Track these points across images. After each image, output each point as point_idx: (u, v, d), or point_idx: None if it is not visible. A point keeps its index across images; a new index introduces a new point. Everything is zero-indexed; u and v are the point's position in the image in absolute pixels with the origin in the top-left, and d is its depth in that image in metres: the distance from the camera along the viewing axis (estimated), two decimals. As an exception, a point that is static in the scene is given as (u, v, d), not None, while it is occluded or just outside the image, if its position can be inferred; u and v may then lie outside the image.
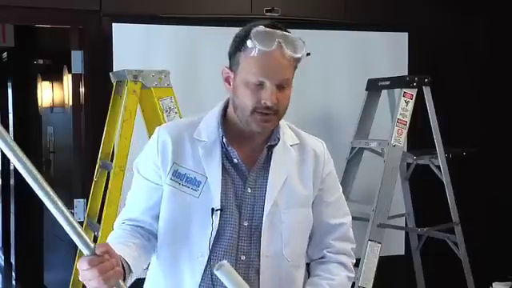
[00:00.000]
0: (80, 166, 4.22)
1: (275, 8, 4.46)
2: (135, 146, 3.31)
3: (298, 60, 1.77)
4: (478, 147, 4.54)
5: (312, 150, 1.92)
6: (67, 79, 5.10)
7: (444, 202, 4.17)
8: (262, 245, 1.80)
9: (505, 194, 4.97)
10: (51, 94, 5.76)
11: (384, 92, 4.40)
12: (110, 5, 4.11)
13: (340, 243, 1.96)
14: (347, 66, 4.64)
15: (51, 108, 5.79)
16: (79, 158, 4.23)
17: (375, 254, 3.92)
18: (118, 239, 1.78)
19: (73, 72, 4.21)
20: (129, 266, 1.67)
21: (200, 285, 1.79)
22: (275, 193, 1.82)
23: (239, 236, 1.80)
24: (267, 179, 1.83)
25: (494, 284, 4.39)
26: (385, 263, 4.07)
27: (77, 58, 4.17)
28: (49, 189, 1.44)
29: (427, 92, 4.12)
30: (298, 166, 1.88)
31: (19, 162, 1.41)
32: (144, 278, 1.95)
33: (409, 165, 4.49)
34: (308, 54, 1.77)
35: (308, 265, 1.98)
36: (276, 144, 1.86)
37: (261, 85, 1.73)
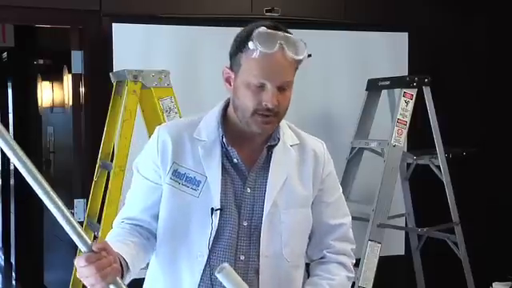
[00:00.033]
0: (80, 166, 4.22)
1: (275, 8, 4.46)
2: (135, 145, 3.31)
3: (299, 62, 1.77)
4: (478, 147, 4.54)
5: (312, 151, 1.92)
6: (67, 79, 5.10)
7: (444, 202, 4.17)
8: (262, 245, 1.80)
9: (505, 194, 4.97)
10: (51, 94, 5.76)
11: (384, 92, 4.40)
12: (109, 5, 4.11)
13: (340, 243, 1.95)
14: (347, 66, 4.64)
15: (51, 108, 5.78)
16: (79, 157, 4.23)
17: (375, 254, 3.92)
18: (117, 237, 1.79)
19: (73, 72, 4.21)
20: (126, 263, 1.67)
21: (199, 284, 1.79)
22: (275, 193, 1.82)
23: (238, 236, 1.80)
24: (267, 179, 1.83)
25: (493, 284, 4.39)
26: (385, 263, 4.07)
27: (77, 58, 4.17)
28: (49, 189, 1.45)
29: (427, 92, 4.12)
30: (298, 166, 1.88)
31: (19, 161, 1.41)
32: (144, 278, 1.95)
33: (409, 165, 4.49)
34: (309, 56, 1.76)
35: (308, 265, 1.98)
36: (276, 144, 1.86)
37: (262, 86, 1.73)
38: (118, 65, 3.97)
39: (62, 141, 5.30)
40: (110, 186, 3.42)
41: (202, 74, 4.22)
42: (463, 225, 4.17)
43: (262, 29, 1.73)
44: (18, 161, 1.42)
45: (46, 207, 1.48)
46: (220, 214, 1.78)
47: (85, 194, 3.99)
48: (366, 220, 4.01)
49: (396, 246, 4.74)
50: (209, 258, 1.78)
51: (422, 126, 4.21)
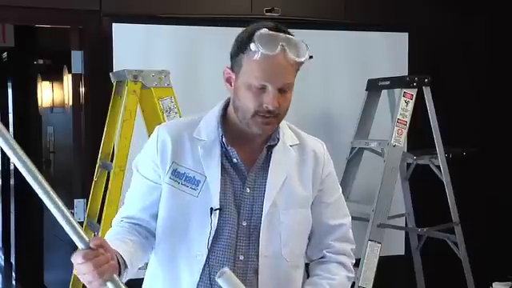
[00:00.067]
0: (80, 166, 4.22)
1: (275, 8, 4.46)
2: (135, 145, 3.31)
3: (300, 63, 1.77)
4: (477, 147, 4.54)
5: (312, 151, 1.92)
6: (67, 79, 5.10)
7: (444, 202, 4.17)
8: (261, 245, 1.80)
9: (505, 194, 4.97)
10: (51, 94, 5.76)
11: (384, 92, 4.40)
12: (110, 5, 4.11)
13: (340, 244, 1.95)
14: (347, 66, 4.64)
15: (51, 108, 5.78)
16: (79, 157, 4.24)
17: (375, 254, 3.92)
18: (115, 236, 1.79)
19: (73, 72, 4.21)
20: (124, 261, 1.67)
21: (198, 284, 1.79)
22: (274, 193, 1.82)
23: (238, 236, 1.80)
24: (266, 179, 1.83)
25: (494, 284, 4.39)
26: (385, 263, 4.07)
27: (77, 58, 4.17)
28: (49, 188, 1.45)
29: (427, 92, 4.12)
30: (298, 166, 1.88)
31: (19, 160, 1.42)
32: (143, 278, 1.95)
33: (409, 165, 4.49)
34: (311, 57, 1.76)
35: (307, 265, 1.98)
36: (276, 144, 1.86)
37: (263, 88, 1.73)
38: (117, 65, 3.97)
39: (62, 141, 5.30)
40: (110, 186, 3.42)
41: (202, 74, 4.22)
42: (463, 225, 4.17)
43: (264, 30, 1.72)
44: (18, 160, 1.42)
45: (46, 207, 1.49)
46: (219, 213, 1.78)
47: (85, 194, 3.99)
48: (366, 220, 4.01)
49: (396, 246, 4.74)
50: (208, 257, 1.78)
51: (422, 125, 4.21)
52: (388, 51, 4.73)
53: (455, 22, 5.00)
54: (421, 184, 4.55)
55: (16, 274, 6.79)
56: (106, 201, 3.41)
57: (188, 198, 1.80)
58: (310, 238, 1.94)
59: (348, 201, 4.32)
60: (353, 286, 3.78)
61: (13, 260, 6.97)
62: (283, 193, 1.84)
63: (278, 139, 1.86)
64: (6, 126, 6.58)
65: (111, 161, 3.55)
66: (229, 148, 1.82)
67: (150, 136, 1.92)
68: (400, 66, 4.69)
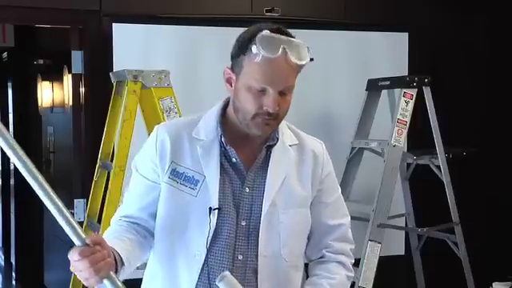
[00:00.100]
0: (80, 166, 4.22)
1: (275, 8, 4.46)
2: (135, 145, 3.31)
3: (301, 66, 1.76)
4: (478, 147, 4.54)
5: (311, 151, 1.92)
6: (67, 79, 5.10)
7: (444, 202, 4.17)
8: (260, 245, 1.80)
9: (505, 193, 4.97)
10: (51, 94, 5.76)
11: (384, 92, 4.40)
12: (110, 5, 4.11)
13: (339, 243, 1.95)
14: (347, 66, 4.64)
15: (51, 108, 5.79)
16: (79, 157, 4.24)
17: (375, 254, 3.92)
18: (113, 234, 1.79)
19: (73, 72, 4.21)
20: (121, 258, 1.67)
21: (197, 283, 1.79)
22: (273, 193, 1.82)
23: (237, 235, 1.80)
24: (265, 179, 1.83)
25: (494, 284, 4.39)
26: (385, 263, 4.07)
27: (77, 58, 4.17)
28: (46, 185, 1.45)
29: (427, 92, 4.12)
30: (297, 166, 1.88)
31: (18, 160, 1.42)
32: (141, 278, 1.95)
33: (409, 165, 4.49)
34: (311, 60, 1.76)
35: (306, 265, 1.98)
36: (275, 144, 1.86)
37: (263, 91, 1.73)
38: (117, 65, 3.97)
39: (62, 141, 5.30)
40: (110, 186, 3.42)
41: (202, 74, 4.22)
42: (463, 225, 4.17)
43: (266, 32, 1.72)
44: (18, 160, 1.42)
45: (47, 208, 1.49)
46: (218, 213, 1.78)
47: (85, 194, 3.99)
48: (366, 220, 4.01)
49: (396, 246, 4.74)
50: (207, 257, 1.78)
51: (422, 125, 4.21)
52: (388, 51, 4.73)
53: (455, 22, 5.00)
54: (421, 184, 4.55)
55: (16, 274, 6.79)
56: (106, 201, 3.41)
57: (187, 198, 1.80)
58: (309, 238, 1.94)
59: (348, 201, 4.35)
60: (353, 285, 3.78)
61: (13, 260, 6.97)
62: (282, 193, 1.83)
63: (278, 139, 1.86)
64: (6, 125, 6.58)
65: (111, 161, 3.55)
66: (228, 148, 1.82)
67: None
68: (400, 66, 4.69)
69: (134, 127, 3.42)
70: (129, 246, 1.75)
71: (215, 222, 1.78)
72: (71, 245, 1.55)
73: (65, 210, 1.49)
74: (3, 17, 4.34)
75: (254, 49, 1.70)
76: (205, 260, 1.78)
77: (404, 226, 4.63)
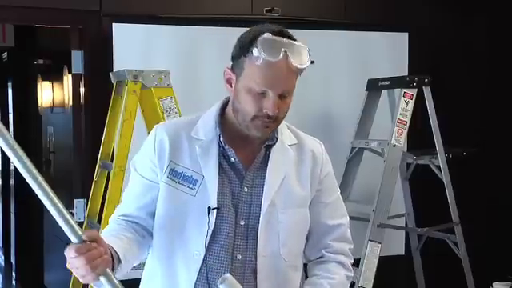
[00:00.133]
0: (80, 166, 4.22)
1: (275, 8, 4.46)
2: (135, 145, 3.31)
3: (302, 69, 1.76)
4: (478, 147, 4.54)
5: (310, 151, 1.92)
6: (67, 79, 5.10)
7: (444, 202, 4.17)
8: (259, 245, 1.80)
9: (505, 194, 4.97)
10: (51, 94, 5.77)
11: (384, 92, 4.40)
12: (110, 5, 4.11)
13: (338, 244, 1.95)
14: (347, 66, 4.64)
15: (51, 108, 5.79)
16: (79, 157, 4.24)
17: (375, 254, 3.92)
18: (111, 232, 1.79)
19: (73, 72, 4.21)
20: (118, 256, 1.67)
21: (196, 283, 1.79)
22: (272, 193, 1.82)
23: (235, 235, 1.80)
24: (264, 179, 1.83)
25: (494, 284, 4.39)
26: (385, 263, 4.07)
27: (77, 58, 4.17)
28: (44, 182, 1.45)
29: (427, 92, 4.12)
30: (296, 166, 1.88)
31: (18, 160, 1.42)
32: (140, 279, 1.95)
33: (409, 165, 4.49)
34: (312, 62, 1.76)
35: (305, 265, 1.98)
36: (274, 144, 1.86)
37: (263, 93, 1.73)
38: (117, 65, 3.97)
39: (62, 141, 5.30)
40: (110, 186, 3.42)
41: (202, 74, 4.22)
42: (463, 225, 4.17)
43: (267, 35, 1.71)
44: (18, 161, 1.42)
45: (46, 208, 1.49)
46: (217, 213, 1.78)
47: (85, 194, 3.99)
48: (366, 220, 4.01)
49: (396, 246, 4.74)
50: (205, 256, 1.78)
51: (422, 125, 4.21)
52: (388, 51, 4.73)
53: (455, 22, 5.00)
54: (421, 184, 4.55)
55: (16, 274, 6.79)
56: (106, 201, 3.41)
57: (185, 198, 1.80)
58: (307, 238, 1.94)
59: (348, 201, 4.37)
60: (353, 285, 3.78)
61: (13, 260, 6.98)
62: (281, 192, 1.84)
63: (277, 139, 1.86)
64: (6, 125, 6.59)
65: (111, 161, 3.55)
66: (226, 147, 1.82)
67: (150, 136, 1.92)
68: (400, 66, 4.69)
69: (133, 127, 3.41)
70: (126, 244, 1.75)
71: (214, 221, 1.78)
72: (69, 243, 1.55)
73: (61, 207, 1.48)
74: (3, 17, 4.34)
75: (255, 51, 1.70)
76: (203, 260, 1.78)
77: (404, 226, 4.63)
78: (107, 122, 3.69)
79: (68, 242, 1.54)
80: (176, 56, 4.19)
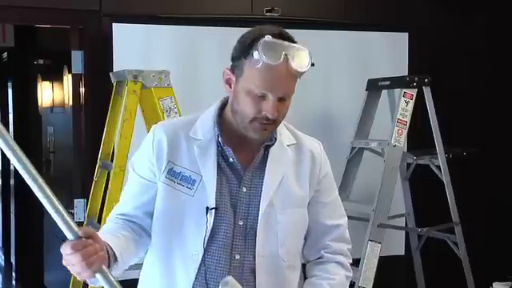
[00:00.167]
0: (80, 166, 4.22)
1: (275, 8, 4.46)
2: (135, 145, 3.30)
3: (302, 72, 1.76)
4: (478, 147, 4.53)
5: (309, 151, 1.92)
6: (67, 79, 5.10)
7: (444, 202, 4.17)
8: (258, 245, 1.80)
9: (505, 194, 4.97)
10: (51, 94, 5.77)
11: (384, 92, 4.40)
12: (110, 5, 4.11)
13: (337, 244, 1.95)
14: (347, 66, 4.64)
15: (51, 108, 5.79)
16: (79, 157, 4.24)
17: (375, 254, 3.92)
18: (108, 230, 1.80)
19: (73, 72, 4.21)
20: (114, 253, 1.67)
21: (194, 283, 1.79)
22: (271, 193, 1.82)
23: (234, 235, 1.80)
24: (263, 179, 1.83)
25: (494, 284, 4.39)
26: (385, 263, 4.07)
27: (77, 58, 4.17)
28: (41, 180, 1.45)
29: (427, 92, 4.12)
30: (295, 166, 1.88)
31: (19, 163, 1.42)
32: (138, 279, 1.95)
33: (409, 165, 4.49)
34: (312, 65, 1.75)
35: (303, 266, 1.98)
36: (273, 144, 1.86)
37: (263, 96, 1.73)
38: (117, 65, 3.97)
39: (62, 141, 5.30)
40: (110, 186, 3.42)
41: (202, 74, 4.22)
42: (463, 225, 4.17)
43: (268, 38, 1.71)
44: (18, 162, 1.42)
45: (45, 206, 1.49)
46: (215, 213, 1.78)
47: (85, 194, 3.99)
48: (366, 220, 4.01)
49: (396, 246, 4.74)
50: (204, 256, 1.78)
51: (422, 125, 4.21)
52: (388, 51, 4.73)
53: (455, 22, 5.00)
54: (421, 184, 4.55)
55: (16, 274, 6.79)
56: (106, 201, 3.41)
57: (184, 198, 1.80)
58: (306, 239, 1.94)
59: (348, 201, 4.37)
60: (353, 286, 3.78)
61: (13, 260, 6.98)
62: (280, 193, 1.84)
63: (276, 139, 1.86)
64: (6, 125, 6.60)
65: (111, 161, 3.55)
66: (225, 147, 1.82)
67: (149, 135, 1.92)
68: (400, 66, 4.69)
69: (133, 127, 3.41)
70: (123, 242, 1.75)
71: (212, 221, 1.78)
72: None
73: (58, 204, 1.48)
74: (3, 17, 4.34)
75: (255, 54, 1.70)
76: (202, 260, 1.78)
77: (404, 226, 4.63)
78: (107, 122, 3.69)
79: (64, 238, 1.54)
80: (176, 56, 4.19)
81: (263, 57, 1.69)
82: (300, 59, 1.73)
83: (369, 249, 3.92)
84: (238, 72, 1.77)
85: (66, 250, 1.53)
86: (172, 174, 1.81)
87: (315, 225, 1.92)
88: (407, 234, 4.70)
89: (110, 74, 3.74)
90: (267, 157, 1.85)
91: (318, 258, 1.95)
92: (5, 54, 7.15)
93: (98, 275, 1.55)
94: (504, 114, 5.06)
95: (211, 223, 1.78)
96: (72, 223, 1.52)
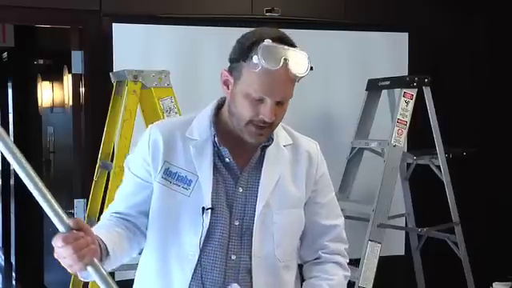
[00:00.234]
0: (80, 166, 4.22)
1: (275, 8, 4.46)
2: (135, 146, 3.30)
3: (301, 77, 1.76)
4: (478, 147, 4.53)
5: (306, 152, 1.92)
6: (67, 79, 5.11)
7: (444, 202, 4.16)
8: (254, 245, 1.80)
9: (505, 194, 4.97)
10: (51, 93, 5.77)
11: (384, 92, 4.40)
12: (110, 5, 4.11)
13: (334, 244, 1.95)
14: (347, 66, 4.64)
15: (51, 108, 5.79)
16: (79, 157, 4.24)
17: (375, 254, 3.92)
18: (101, 226, 1.80)
19: (73, 72, 4.21)
20: (106, 247, 1.66)
21: (190, 283, 1.79)
22: (267, 193, 1.82)
23: (230, 235, 1.80)
24: (259, 179, 1.83)
25: (494, 284, 4.38)
26: (385, 263, 4.07)
27: (77, 58, 4.17)
28: (38, 179, 1.46)
29: (427, 92, 4.12)
30: (291, 166, 1.88)
31: (18, 165, 1.42)
32: (133, 279, 1.95)
33: (409, 165, 4.49)
34: (311, 69, 1.75)
35: (300, 266, 1.98)
36: (269, 144, 1.86)
37: (261, 100, 1.73)
38: (117, 65, 3.98)
39: (62, 141, 5.31)
40: (109, 185, 3.42)
41: (202, 74, 4.22)
42: (463, 225, 4.17)
43: (268, 42, 1.71)
44: (18, 165, 1.43)
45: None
46: (211, 213, 1.78)
47: (85, 194, 3.99)
48: (366, 220, 4.01)
49: (396, 246, 4.74)
50: (200, 257, 1.78)
51: (422, 125, 4.20)
52: (388, 51, 4.73)
53: (455, 22, 5.00)
54: (421, 184, 4.54)
55: (16, 274, 6.79)
56: (106, 201, 3.42)
57: (180, 198, 1.80)
58: (302, 239, 1.94)
59: (348, 201, 4.36)
60: (353, 285, 3.78)
61: (13, 260, 6.98)
62: (276, 193, 1.83)
63: (272, 139, 1.86)
64: (7, 125, 6.61)
65: (111, 161, 3.55)
66: (221, 147, 1.82)
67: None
68: (400, 66, 4.69)
69: (133, 127, 3.41)
70: (115, 237, 1.74)
71: (208, 221, 1.78)
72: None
73: (50, 197, 1.48)
74: (3, 17, 4.34)
75: (254, 59, 1.69)
76: (198, 260, 1.78)
77: (404, 226, 4.63)
78: (107, 122, 3.69)
79: (56, 231, 1.54)
80: (176, 56, 4.19)
81: (262, 61, 1.68)
82: (299, 64, 1.73)
83: (369, 249, 3.92)
84: (237, 74, 1.76)
85: (57, 242, 1.52)
86: (168, 174, 1.81)
87: (312, 225, 1.92)
88: (407, 234, 4.70)
89: (110, 74, 3.74)
90: (264, 157, 1.85)
91: (316, 259, 1.95)
92: (5, 54, 7.15)
93: (89, 268, 1.55)
94: (504, 114, 5.06)
95: (207, 223, 1.77)
96: (63, 215, 1.51)
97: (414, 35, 4.79)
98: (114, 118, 3.65)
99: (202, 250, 1.78)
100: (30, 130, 6.49)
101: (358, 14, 4.70)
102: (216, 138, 1.82)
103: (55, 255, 1.55)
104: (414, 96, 4.06)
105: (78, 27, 4.19)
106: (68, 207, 4.08)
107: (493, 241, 4.89)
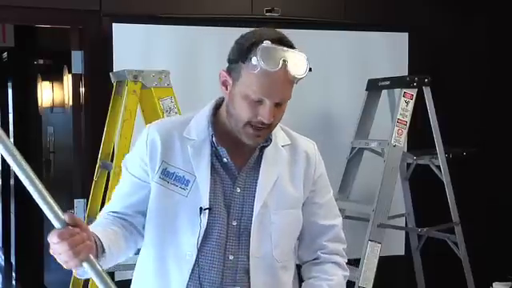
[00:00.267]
0: (80, 166, 4.22)
1: (275, 8, 4.46)
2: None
3: (300, 78, 1.76)
4: (478, 147, 4.53)
5: (304, 152, 1.91)
6: (67, 79, 5.11)
7: (444, 202, 4.16)
8: (252, 246, 1.80)
9: (505, 194, 4.97)
10: (51, 93, 5.77)
11: (384, 92, 4.40)
12: (110, 5, 4.11)
13: (333, 244, 1.95)
14: (347, 66, 4.64)
15: (51, 108, 5.79)
16: (79, 157, 4.24)
17: (375, 254, 3.92)
18: (98, 224, 1.80)
19: (73, 72, 4.21)
20: (102, 245, 1.66)
21: (188, 284, 1.79)
22: (265, 194, 1.82)
23: (227, 235, 1.80)
24: (257, 180, 1.83)
25: (494, 284, 4.38)
26: (385, 263, 4.07)
27: (77, 58, 4.18)
28: (36, 179, 1.46)
29: (427, 92, 4.12)
30: (289, 166, 1.88)
31: (18, 168, 1.42)
32: (131, 279, 1.95)
33: (409, 165, 4.49)
34: (310, 70, 1.75)
35: (298, 266, 1.98)
36: (268, 145, 1.85)
37: (260, 101, 1.73)
38: (117, 65, 3.98)
39: (62, 141, 5.31)
40: (109, 186, 3.42)
41: (202, 74, 4.22)
42: (463, 225, 4.17)
43: (267, 43, 1.70)
44: (18, 167, 1.43)
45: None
46: (209, 213, 1.78)
47: (85, 194, 3.99)
48: (366, 220, 4.00)
49: (396, 246, 4.74)
50: (197, 257, 1.78)
51: (422, 125, 4.21)
52: (388, 51, 4.73)
53: (455, 22, 5.00)
54: (421, 184, 4.55)
55: (16, 274, 6.79)
56: (106, 201, 3.41)
57: (177, 198, 1.80)
58: (300, 239, 1.94)
59: (348, 201, 4.36)
60: (353, 285, 3.78)
61: (13, 260, 6.98)
62: (274, 193, 1.83)
63: (270, 140, 1.86)
64: (7, 125, 6.60)
65: (111, 161, 3.55)
66: (219, 148, 1.81)
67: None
68: (400, 66, 4.69)
69: (133, 127, 3.41)
70: (111, 235, 1.74)
71: (206, 222, 1.77)
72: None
73: (46, 193, 1.48)
74: (3, 17, 4.35)
75: (253, 60, 1.69)
76: (195, 260, 1.78)
77: (404, 226, 4.63)
78: (107, 122, 3.69)
79: (51, 227, 1.54)
80: (176, 56, 4.19)
81: (261, 63, 1.68)
82: (298, 65, 1.73)
83: (369, 249, 3.91)
84: (235, 75, 1.76)
85: (52, 238, 1.52)
86: (166, 175, 1.81)
87: (310, 225, 1.92)
88: (407, 234, 4.70)
89: (110, 74, 3.74)
90: (262, 157, 1.84)
91: (315, 259, 1.95)
92: (5, 54, 7.15)
93: (85, 264, 1.54)
94: (504, 114, 5.06)
95: (205, 224, 1.77)
96: (58, 211, 1.51)
97: (413, 35, 4.79)
98: (114, 118, 3.65)
99: (199, 250, 1.77)
100: (29, 130, 6.49)
101: (357, 14, 4.70)
102: (214, 138, 1.82)
103: (51, 251, 1.55)
104: (414, 96, 4.06)
105: (77, 27, 4.20)
106: (68, 207, 4.08)
107: (493, 241, 4.89)
